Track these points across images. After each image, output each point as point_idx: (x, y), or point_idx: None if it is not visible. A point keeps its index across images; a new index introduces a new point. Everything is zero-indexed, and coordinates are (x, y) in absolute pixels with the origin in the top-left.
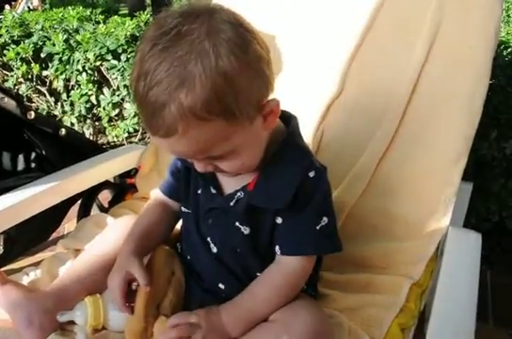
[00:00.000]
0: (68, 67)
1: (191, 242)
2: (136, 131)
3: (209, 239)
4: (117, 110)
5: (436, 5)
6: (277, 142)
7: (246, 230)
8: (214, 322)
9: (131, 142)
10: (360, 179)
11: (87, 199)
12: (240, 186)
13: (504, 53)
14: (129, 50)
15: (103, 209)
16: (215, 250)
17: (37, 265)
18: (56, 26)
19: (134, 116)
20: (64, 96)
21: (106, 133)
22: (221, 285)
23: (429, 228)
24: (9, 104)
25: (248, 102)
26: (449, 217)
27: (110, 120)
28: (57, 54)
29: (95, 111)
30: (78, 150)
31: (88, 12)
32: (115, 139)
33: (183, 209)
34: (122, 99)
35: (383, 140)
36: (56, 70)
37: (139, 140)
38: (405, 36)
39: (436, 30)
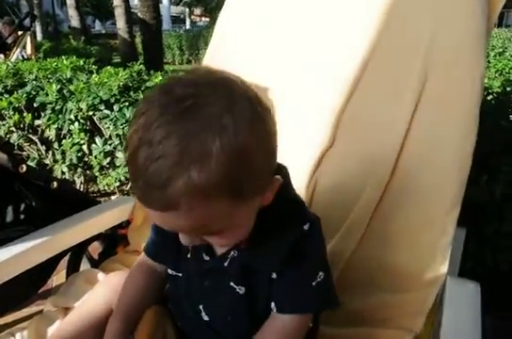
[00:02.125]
0: (60, 116)
1: (181, 309)
2: (127, 179)
3: (201, 307)
4: (108, 159)
5: (422, 60)
6: None
7: (241, 290)
8: None
9: (122, 190)
10: (356, 229)
11: (77, 252)
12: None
13: (488, 98)
14: (122, 100)
15: (92, 261)
16: (206, 318)
17: (23, 320)
18: (49, 76)
19: (125, 165)
20: (56, 145)
21: (97, 181)
22: None
23: (427, 278)
24: (1, 158)
25: (259, 181)
26: (446, 267)
27: (101, 168)
28: (50, 103)
29: (86, 160)
30: (69, 202)
31: (82, 62)
32: (106, 188)
33: (170, 272)
34: (114, 148)
35: (376, 191)
36: (49, 119)
37: (131, 188)
38: (393, 89)
39: (423, 82)
